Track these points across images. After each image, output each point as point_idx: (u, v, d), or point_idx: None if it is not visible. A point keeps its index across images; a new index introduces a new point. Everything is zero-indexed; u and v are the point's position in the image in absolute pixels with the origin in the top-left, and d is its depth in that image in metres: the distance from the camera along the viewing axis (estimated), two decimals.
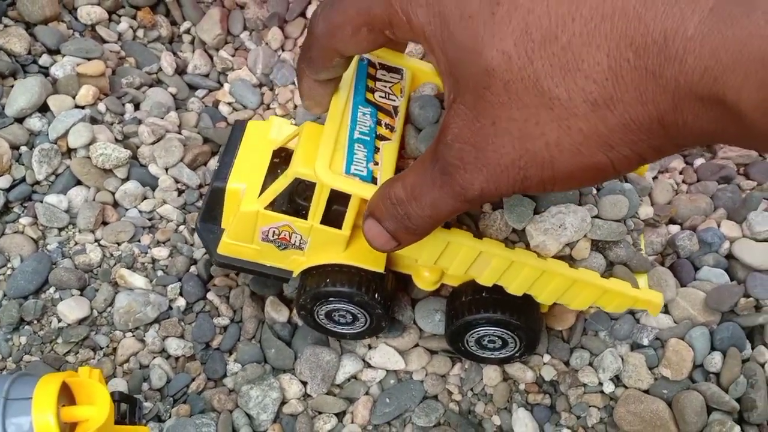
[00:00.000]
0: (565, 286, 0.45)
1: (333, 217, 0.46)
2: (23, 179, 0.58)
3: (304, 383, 0.52)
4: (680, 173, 0.63)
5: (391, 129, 0.44)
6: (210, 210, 0.50)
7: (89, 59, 0.64)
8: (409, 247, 0.40)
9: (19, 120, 0.60)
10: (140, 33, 0.69)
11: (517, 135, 0.29)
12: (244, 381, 0.52)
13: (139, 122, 0.62)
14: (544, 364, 0.54)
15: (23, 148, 0.59)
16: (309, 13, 0.72)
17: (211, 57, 0.69)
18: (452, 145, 0.31)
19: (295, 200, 0.47)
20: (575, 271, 0.44)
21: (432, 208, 0.34)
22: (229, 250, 0.49)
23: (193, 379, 0.52)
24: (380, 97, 0.45)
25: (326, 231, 0.46)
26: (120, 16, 0.69)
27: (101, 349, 0.52)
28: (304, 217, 0.46)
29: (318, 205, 0.45)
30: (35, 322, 0.53)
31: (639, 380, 0.52)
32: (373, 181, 0.41)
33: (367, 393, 0.53)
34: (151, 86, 0.66)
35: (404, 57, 0.46)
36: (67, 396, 0.38)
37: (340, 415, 0.52)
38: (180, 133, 0.62)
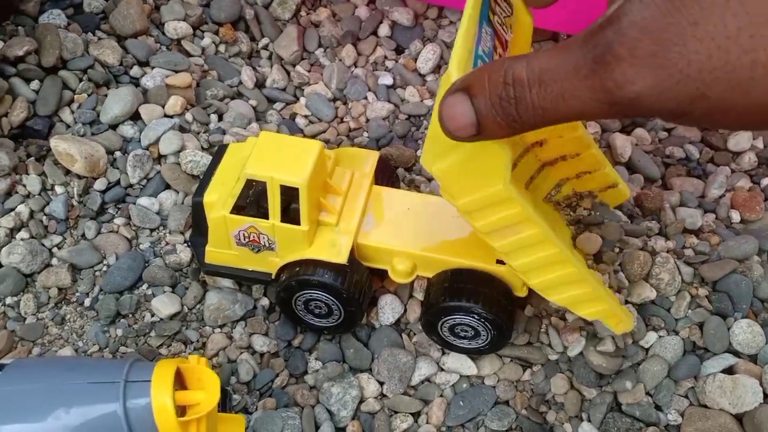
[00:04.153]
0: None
1: (294, 215, 0.48)
2: (118, 182, 0.61)
3: (381, 383, 0.54)
4: (748, 190, 0.64)
5: None
6: (197, 225, 0.53)
7: (177, 71, 0.68)
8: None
9: (113, 127, 0.63)
10: (222, 48, 0.73)
11: (721, 44, 0.25)
12: (324, 378, 0.54)
13: (224, 132, 0.65)
14: None
15: (117, 153, 0.62)
16: (380, 32, 0.75)
17: (288, 72, 0.72)
18: (626, 32, 0.26)
19: (261, 204, 0.49)
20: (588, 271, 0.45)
21: (555, 101, 0.29)
22: (214, 258, 0.53)
23: (277, 375, 0.54)
24: (498, 23, 0.41)
25: (287, 228, 0.49)
26: (203, 31, 0.73)
27: (191, 343, 0.55)
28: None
29: (273, 202, 0.47)
30: (130, 315, 0.56)
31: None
32: None
33: (441, 395, 0.55)
34: (233, 98, 0.69)
35: None
36: (177, 381, 0.41)
37: (415, 415, 0.54)
38: None
